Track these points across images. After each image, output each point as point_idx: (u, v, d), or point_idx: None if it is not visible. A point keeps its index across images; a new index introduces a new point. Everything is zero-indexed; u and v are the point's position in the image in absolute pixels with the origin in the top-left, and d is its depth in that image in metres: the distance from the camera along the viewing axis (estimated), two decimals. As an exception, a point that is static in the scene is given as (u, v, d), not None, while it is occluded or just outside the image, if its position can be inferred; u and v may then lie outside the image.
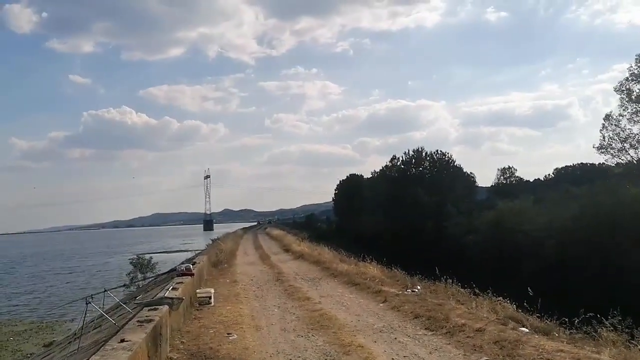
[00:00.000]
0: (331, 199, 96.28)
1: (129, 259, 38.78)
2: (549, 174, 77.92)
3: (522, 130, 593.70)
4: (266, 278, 19.74)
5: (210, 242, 50.61)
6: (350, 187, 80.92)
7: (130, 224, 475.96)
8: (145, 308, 8.26)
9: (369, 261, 20.56)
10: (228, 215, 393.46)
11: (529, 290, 10.44)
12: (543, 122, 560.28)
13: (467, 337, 8.48)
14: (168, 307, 8.58)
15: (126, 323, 7.21)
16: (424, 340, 8.75)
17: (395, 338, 9.08)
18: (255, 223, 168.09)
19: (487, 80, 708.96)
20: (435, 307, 10.90)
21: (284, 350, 8.63)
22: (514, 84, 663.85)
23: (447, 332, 9.00)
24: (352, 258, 23.90)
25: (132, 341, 5.84)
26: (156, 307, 8.26)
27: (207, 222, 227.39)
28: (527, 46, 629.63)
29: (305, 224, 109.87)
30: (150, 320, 7.05)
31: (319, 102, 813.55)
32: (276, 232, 69.32)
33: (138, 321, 7.03)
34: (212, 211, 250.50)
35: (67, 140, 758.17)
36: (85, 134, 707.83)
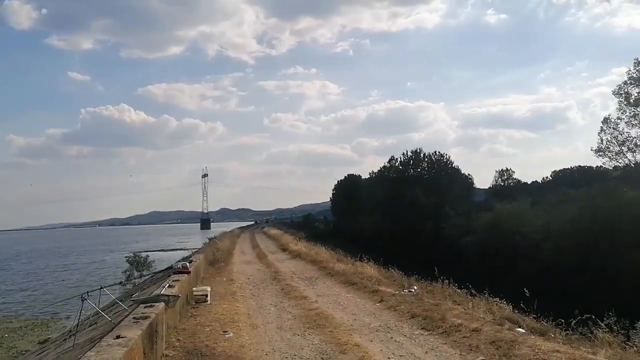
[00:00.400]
0: (329, 199, 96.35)
1: (126, 257, 38.64)
2: (547, 177, 78.10)
3: (520, 132, 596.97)
4: (263, 277, 19.71)
5: (207, 240, 50.52)
6: (348, 187, 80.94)
7: (127, 222, 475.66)
8: (141, 305, 8.24)
9: (366, 261, 20.57)
10: (225, 214, 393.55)
11: (526, 291, 10.45)
12: (541, 125, 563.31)
13: (464, 337, 8.47)
14: (164, 304, 8.56)
15: (122, 320, 7.19)
16: (420, 340, 8.74)
17: (392, 337, 9.07)
18: (253, 222, 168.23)
19: (486, 82, 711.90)
20: (431, 307, 10.89)
21: (280, 348, 8.62)
22: (513, 86, 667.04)
23: (443, 332, 8.99)
24: (349, 258, 23.88)
25: (128, 337, 5.82)
26: (152, 304, 8.25)
27: (204, 220, 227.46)
28: (527, 49, 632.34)
29: (303, 223, 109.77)
30: (146, 317, 7.03)
31: (318, 102, 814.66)
32: (273, 231, 69.27)
33: (134, 318, 7.02)
34: (209, 210, 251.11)
35: (64, 137, 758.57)
36: (83, 131, 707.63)
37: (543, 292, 12.94)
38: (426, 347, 8.30)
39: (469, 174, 66.45)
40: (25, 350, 19.24)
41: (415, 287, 14.11)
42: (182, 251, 61.20)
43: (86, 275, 47.95)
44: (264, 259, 28.41)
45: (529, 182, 77.38)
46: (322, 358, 7.95)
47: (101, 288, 10.23)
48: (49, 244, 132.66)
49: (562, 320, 9.21)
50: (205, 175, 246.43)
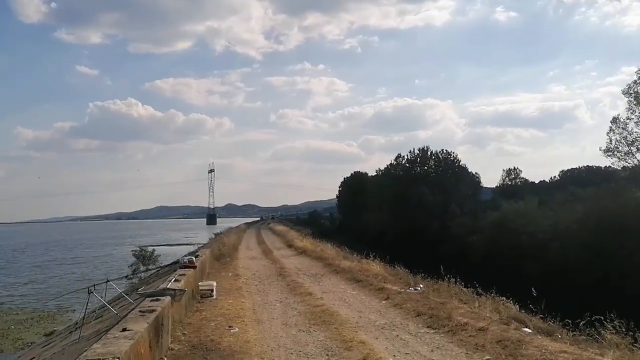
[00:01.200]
0: (335, 196, 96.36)
1: (132, 251, 38.75)
2: (554, 176, 77.73)
3: (528, 131, 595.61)
4: (268, 273, 19.73)
5: (213, 236, 50.66)
6: (355, 184, 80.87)
7: (133, 216, 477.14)
8: (147, 298, 8.25)
9: (371, 258, 20.51)
10: (231, 210, 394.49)
11: (533, 291, 10.38)
12: (549, 124, 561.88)
13: (470, 336, 8.42)
14: (170, 298, 8.57)
15: (128, 313, 7.20)
16: (426, 338, 8.71)
17: (397, 335, 9.04)
18: (259, 218, 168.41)
19: (495, 80, 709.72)
20: (437, 305, 10.84)
21: (285, 344, 8.61)
22: (521, 84, 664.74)
23: (449, 331, 8.95)
24: (355, 255, 23.88)
25: (134, 330, 5.82)
26: (158, 298, 8.25)
27: (210, 216, 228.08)
28: (536, 47, 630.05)
29: (309, 220, 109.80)
30: (153, 311, 7.03)
31: (325, 99, 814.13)
32: (279, 227, 69.36)
33: (140, 311, 7.02)
34: (215, 205, 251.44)
35: (72, 130, 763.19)
36: (91, 125, 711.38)
37: (550, 292, 12.88)
38: (432, 345, 8.26)
39: (476, 173, 66.30)
40: (32, 342, 19.36)
41: (421, 286, 14.07)
42: (188, 246, 61.39)
43: (93, 269, 48.11)
44: (270, 254, 28.44)
45: (536, 182, 77.10)
46: (327, 354, 7.92)
47: (107, 281, 10.27)
48: (55, 236, 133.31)
49: (569, 321, 9.15)
50: (211, 171, 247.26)
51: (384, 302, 12.34)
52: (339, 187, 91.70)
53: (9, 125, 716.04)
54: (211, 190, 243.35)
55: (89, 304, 9.95)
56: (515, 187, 70.66)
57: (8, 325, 23.05)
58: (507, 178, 75.35)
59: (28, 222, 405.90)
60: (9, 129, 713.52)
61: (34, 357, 12.33)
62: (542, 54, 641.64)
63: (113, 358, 4.66)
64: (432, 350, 7.97)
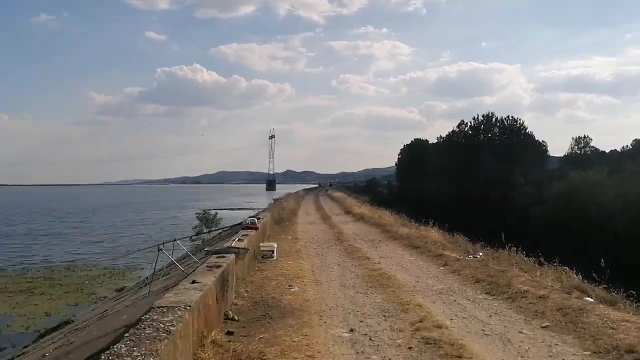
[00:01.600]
0: (394, 164, 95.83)
1: (196, 214, 40.10)
2: (626, 145, 74.19)
3: (601, 97, 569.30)
4: (326, 237, 20.06)
5: (273, 201, 51.64)
6: (415, 152, 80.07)
7: (196, 180, 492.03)
8: (213, 255, 8.66)
9: (430, 226, 20.45)
10: (290, 176, 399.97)
11: (602, 262, 10.12)
12: (624, 90, 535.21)
13: (530, 303, 8.36)
14: (234, 256, 8.96)
15: (196, 268, 7.60)
16: (484, 304, 8.71)
17: (455, 300, 9.08)
18: (317, 185, 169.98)
19: (567, 42, 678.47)
20: (497, 273, 10.77)
21: (342, 304, 8.83)
22: (595, 47, 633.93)
23: (508, 298, 8.90)
24: (413, 223, 23.83)
25: (203, 283, 6.17)
26: (223, 255, 8.66)
27: (270, 182, 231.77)
28: (612, 7, 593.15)
29: (367, 188, 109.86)
30: (219, 266, 7.40)
31: (387, 63, 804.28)
32: (337, 194, 69.85)
33: (207, 266, 7.41)
34: (275, 172, 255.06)
35: (141, 96, 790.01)
36: (158, 90, 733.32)
37: (617, 266, 12.48)
38: (490, 311, 8.27)
39: (542, 141, 63.73)
40: (104, 297, 20.63)
41: (480, 254, 13.97)
42: (248, 210, 62.86)
43: (159, 230, 50.17)
44: (328, 220, 28.81)
45: (607, 151, 73.94)
46: (384, 315, 8.07)
47: (175, 240, 10.85)
48: (124, 199, 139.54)
49: (634, 292, 8.91)
50: (272, 137, 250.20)
51: (441, 268, 12.36)
52: (399, 155, 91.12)
53: (82, 90, 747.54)
54: (271, 157, 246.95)
55: (155, 263, 10.55)
56: (584, 156, 67.98)
57: (82, 281, 24.53)
58: (575, 146, 72.58)
59: (99, 185, 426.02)
60: (83, 93, 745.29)
61: (107, 310, 13.17)
62: (618, 15, 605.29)
63: (185, 306, 4.99)
64: (490, 316, 7.98)
